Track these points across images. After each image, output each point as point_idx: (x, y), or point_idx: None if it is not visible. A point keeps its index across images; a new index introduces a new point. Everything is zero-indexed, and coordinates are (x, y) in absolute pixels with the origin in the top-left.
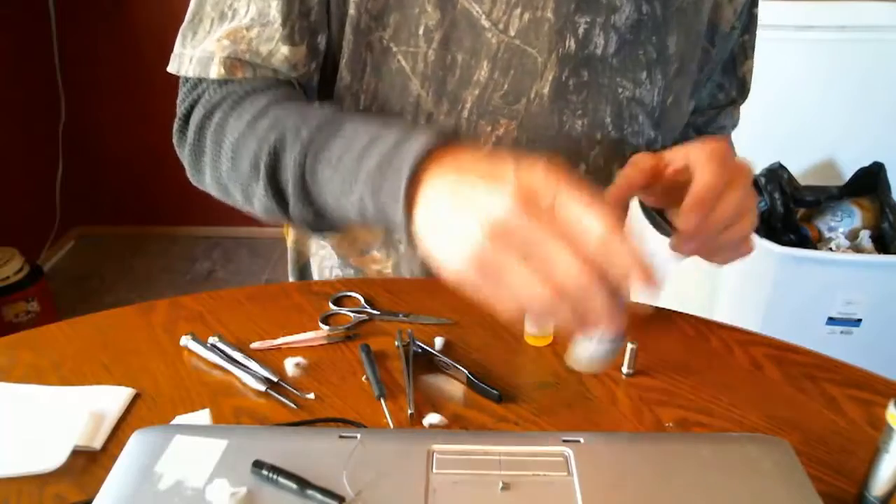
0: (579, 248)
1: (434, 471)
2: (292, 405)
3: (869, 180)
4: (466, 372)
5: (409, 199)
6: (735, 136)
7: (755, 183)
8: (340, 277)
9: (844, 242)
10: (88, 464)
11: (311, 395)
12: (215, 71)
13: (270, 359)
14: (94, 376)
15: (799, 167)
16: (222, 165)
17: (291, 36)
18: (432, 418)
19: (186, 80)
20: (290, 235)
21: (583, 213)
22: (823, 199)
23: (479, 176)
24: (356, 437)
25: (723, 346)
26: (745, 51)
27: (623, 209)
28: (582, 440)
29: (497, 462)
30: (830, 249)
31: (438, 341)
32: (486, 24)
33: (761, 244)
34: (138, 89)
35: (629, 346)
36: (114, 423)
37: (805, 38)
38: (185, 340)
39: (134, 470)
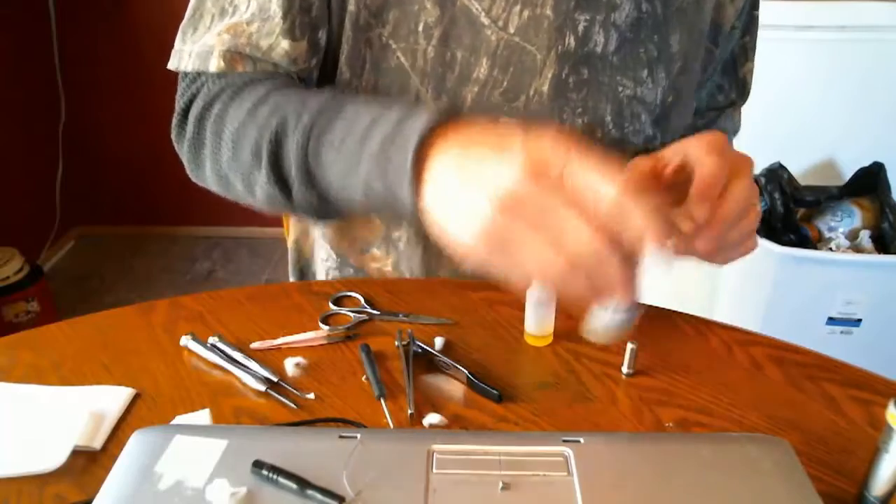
0: (591, 216)
1: (434, 471)
2: (292, 405)
3: (869, 180)
4: (466, 372)
5: (416, 176)
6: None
7: (755, 182)
8: (340, 277)
9: (844, 242)
10: (88, 464)
11: (311, 395)
12: (215, 64)
13: (270, 359)
14: (94, 376)
15: (799, 167)
16: (223, 156)
17: (292, 31)
18: (432, 418)
19: (185, 74)
20: (291, 235)
21: (593, 180)
22: (823, 199)
23: (486, 148)
24: (356, 437)
25: (723, 345)
26: (745, 52)
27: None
28: (582, 440)
29: (497, 462)
30: (830, 249)
31: (438, 341)
32: (485, 21)
33: (761, 244)
34: (138, 89)
35: (629, 346)
36: (114, 423)
37: (805, 38)
38: (185, 340)
39: (134, 470)
